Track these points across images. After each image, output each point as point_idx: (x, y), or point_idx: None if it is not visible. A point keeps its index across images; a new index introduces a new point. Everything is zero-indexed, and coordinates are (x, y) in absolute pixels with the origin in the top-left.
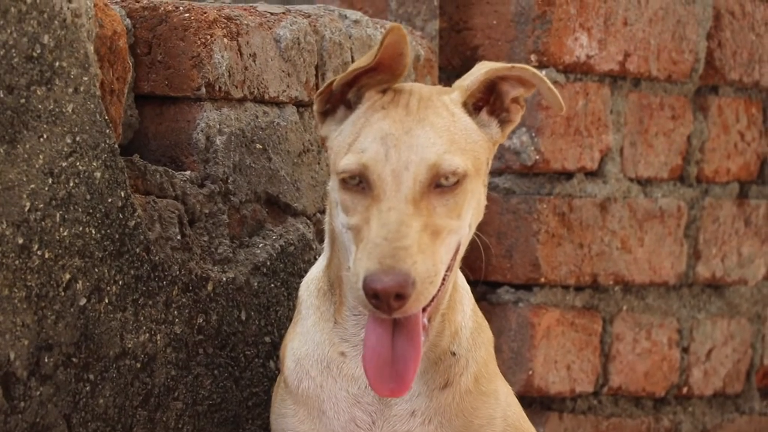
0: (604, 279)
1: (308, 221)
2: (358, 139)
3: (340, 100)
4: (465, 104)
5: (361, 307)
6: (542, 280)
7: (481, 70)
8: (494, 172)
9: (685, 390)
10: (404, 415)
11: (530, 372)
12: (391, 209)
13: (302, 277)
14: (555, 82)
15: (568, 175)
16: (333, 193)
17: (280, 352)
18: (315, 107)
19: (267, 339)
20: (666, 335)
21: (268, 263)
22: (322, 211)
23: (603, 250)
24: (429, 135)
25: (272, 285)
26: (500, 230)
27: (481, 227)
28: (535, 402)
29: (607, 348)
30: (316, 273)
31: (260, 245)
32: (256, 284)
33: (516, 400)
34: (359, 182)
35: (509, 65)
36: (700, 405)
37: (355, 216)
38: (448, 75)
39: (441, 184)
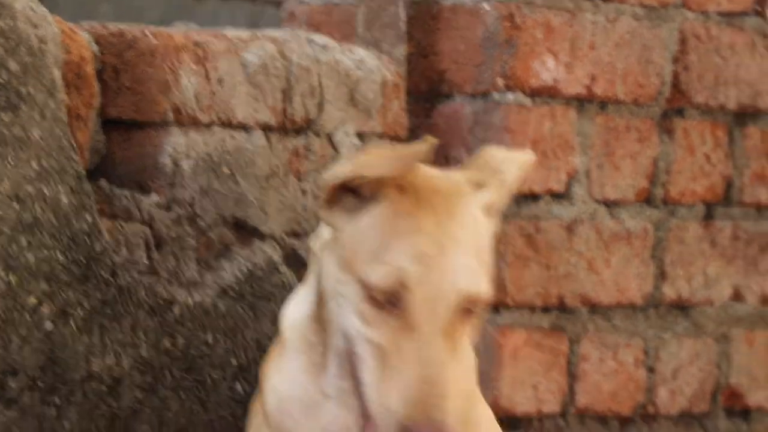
0: (570, 300)
1: (276, 245)
2: (388, 249)
3: (344, 188)
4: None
5: None
6: (509, 301)
7: (497, 180)
8: None
9: (651, 409)
10: None
11: (497, 393)
12: (428, 343)
13: (269, 300)
14: (521, 106)
15: (535, 197)
16: (336, 273)
17: (260, 380)
18: (324, 197)
19: (234, 362)
20: (632, 355)
21: (236, 286)
22: (290, 234)
23: (570, 272)
24: (463, 258)
25: (239, 308)
26: None
27: None
28: (501, 423)
29: (574, 368)
30: (300, 318)
31: (227, 268)
32: (223, 307)
33: (495, 423)
34: (390, 300)
35: (521, 173)
36: (666, 424)
37: (378, 333)
38: (416, 99)
39: (469, 309)
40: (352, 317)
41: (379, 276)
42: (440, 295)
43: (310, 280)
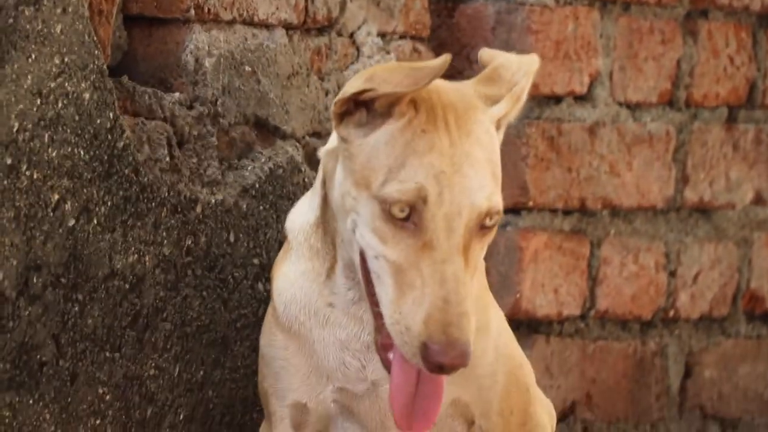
0: (592, 203)
1: (297, 144)
2: (404, 167)
3: (356, 102)
4: None
5: (406, 354)
6: (530, 203)
7: (511, 93)
8: None
9: (671, 313)
10: None
11: (518, 295)
12: (446, 261)
13: (290, 199)
14: (544, 6)
15: (557, 99)
16: (348, 188)
17: (271, 279)
18: (334, 109)
19: (255, 261)
20: (653, 259)
21: (257, 185)
22: (312, 134)
23: (591, 175)
24: (478, 175)
25: (261, 207)
26: None
27: None
28: (522, 325)
29: (595, 271)
30: (304, 223)
31: (249, 168)
32: (244, 206)
33: (506, 326)
34: (407, 217)
35: (528, 80)
36: (686, 328)
37: (396, 251)
38: None
39: (484, 225)
40: (368, 234)
41: (397, 193)
42: (457, 213)
43: (315, 186)
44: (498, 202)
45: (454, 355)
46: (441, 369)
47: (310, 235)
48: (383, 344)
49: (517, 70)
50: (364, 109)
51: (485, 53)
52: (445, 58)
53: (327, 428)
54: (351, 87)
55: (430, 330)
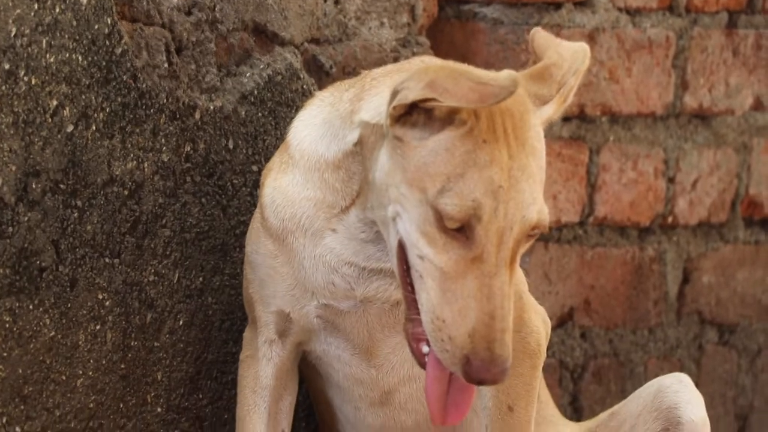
0: (591, 109)
1: (296, 50)
2: (463, 179)
3: (415, 105)
4: None
5: (445, 361)
6: None
7: (559, 94)
8: (482, 2)
9: (670, 219)
10: (386, 286)
11: None
12: (494, 276)
13: (289, 106)
14: None
15: (557, 5)
16: (397, 182)
17: (261, 186)
18: (391, 112)
19: (254, 168)
20: (652, 165)
21: (256, 92)
22: (310, 41)
23: (591, 81)
24: (531, 189)
25: (259, 114)
26: (488, 61)
27: (468, 58)
28: None
29: (594, 178)
30: (317, 154)
31: (247, 74)
32: (243, 113)
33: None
34: (459, 228)
35: (573, 78)
36: (684, 234)
37: (444, 258)
38: None
39: (529, 234)
40: (414, 234)
41: (453, 208)
42: (509, 228)
43: (333, 123)
44: (546, 216)
45: (496, 372)
46: (480, 383)
47: (324, 170)
48: (415, 335)
49: (567, 69)
50: (423, 112)
51: (540, 37)
52: (514, 79)
53: (310, 340)
54: (410, 92)
55: (475, 345)
